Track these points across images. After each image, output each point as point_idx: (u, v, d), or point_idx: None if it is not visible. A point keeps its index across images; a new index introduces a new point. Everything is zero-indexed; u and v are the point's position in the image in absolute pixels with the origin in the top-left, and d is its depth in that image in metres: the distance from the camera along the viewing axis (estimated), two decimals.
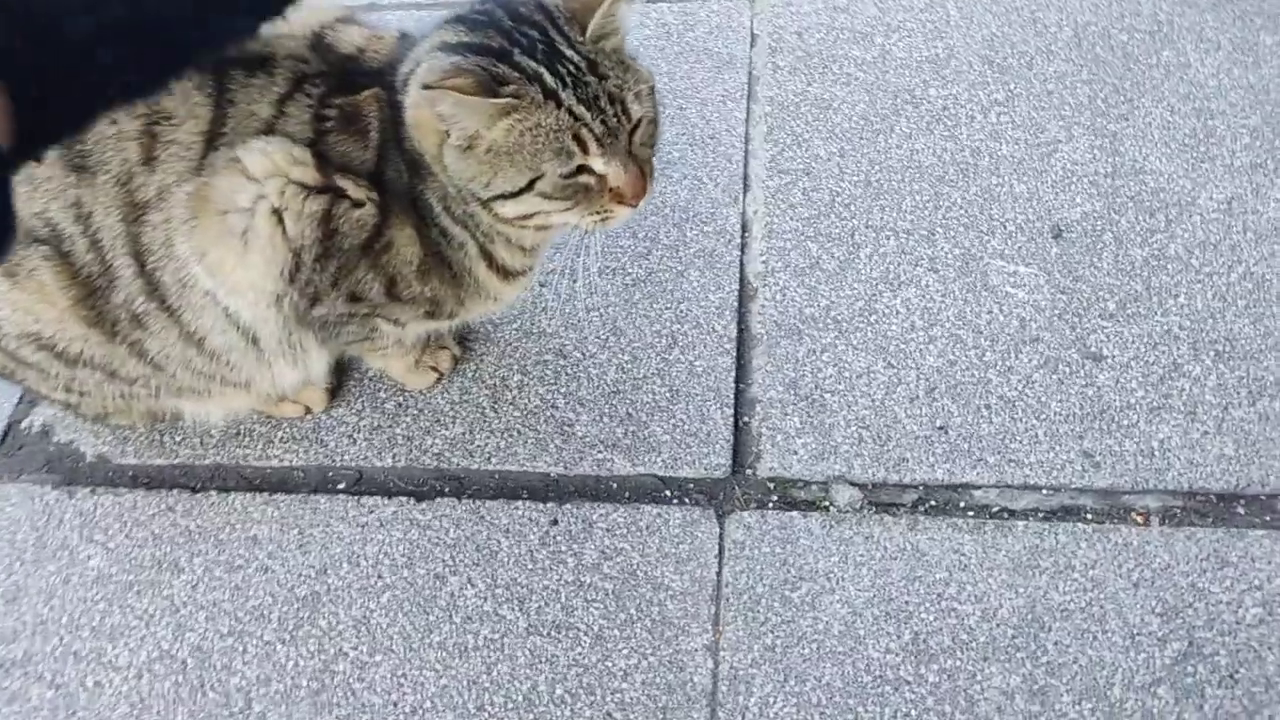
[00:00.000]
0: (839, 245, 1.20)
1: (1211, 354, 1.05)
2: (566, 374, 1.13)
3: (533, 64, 0.75)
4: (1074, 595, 0.91)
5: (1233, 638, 0.87)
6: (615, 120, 0.77)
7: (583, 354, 1.14)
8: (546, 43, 0.76)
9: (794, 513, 1.00)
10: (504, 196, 0.79)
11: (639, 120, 0.79)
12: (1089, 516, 0.96)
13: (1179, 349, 1.06)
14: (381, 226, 0.84)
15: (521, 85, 0.74)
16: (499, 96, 0.73)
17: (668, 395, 1.10)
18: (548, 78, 0.74)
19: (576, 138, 0.76)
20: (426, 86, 0.73)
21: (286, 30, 0.87)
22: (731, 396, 1.09)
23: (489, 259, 0.90)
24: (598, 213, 0.82)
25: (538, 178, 0.78)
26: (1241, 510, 0.95)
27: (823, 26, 1.44)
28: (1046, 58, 1.35)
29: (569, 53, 0.76)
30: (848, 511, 0.99)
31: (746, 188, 1.28)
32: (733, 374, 1.11)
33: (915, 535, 0.96)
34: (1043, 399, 1.04)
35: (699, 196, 1.27)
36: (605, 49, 0.78)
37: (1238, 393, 1.02)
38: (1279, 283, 1.09)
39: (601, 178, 0.79)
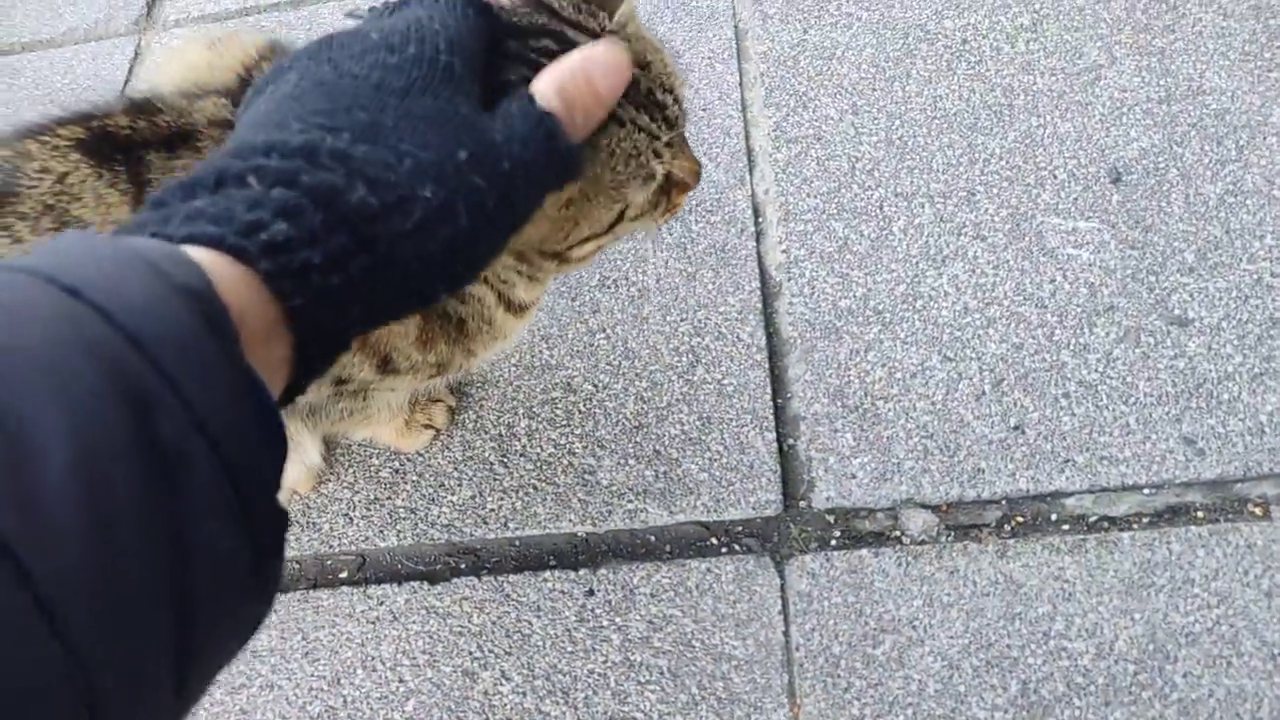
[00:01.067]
0: (867, 221, 1.05)
1: None
2: (580, 412, 0.99)
3: None
4: (1198, 615, 0.79)
5: None
6: (673, 110, 0.62)
7: (595, 385, 1.00)
8: (569, 49, 0.59)
9: (862, 550, 0.87)
10: (587, 239, 0.65)
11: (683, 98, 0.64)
12: (1200, 515, 0.84)
13: (1275, 300, 0.92)
14: None
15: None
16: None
17: (698, 424, 0.96)
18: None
19: (654, 152, 0.61)
20: None
21: (198, 80, 0.71)
22: (771, 416, 0.95)
23: (507, 302, 0.76)
24: (668, 209, 0.68)
25: (626, 207, 0.63)
26: None
27: None
28: None
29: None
30: (924, 541, 0.86)
31: (752, 164, 1.12)
32: (768, 389, 0.97)
33: (1007, 563, 0.84)
34: (1128, 379, 0.91)
35: (700, 181, 1.12)
36: (630, 30, 0.62)
37: None
38: None
39: (668, 175, 0.65)
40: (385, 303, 0.43)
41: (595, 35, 0.58)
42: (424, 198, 0.41)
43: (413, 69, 0.45)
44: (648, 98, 0.59)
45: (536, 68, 0.53)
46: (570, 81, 0.49)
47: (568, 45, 0.57)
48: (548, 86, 0.48)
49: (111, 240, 0.35)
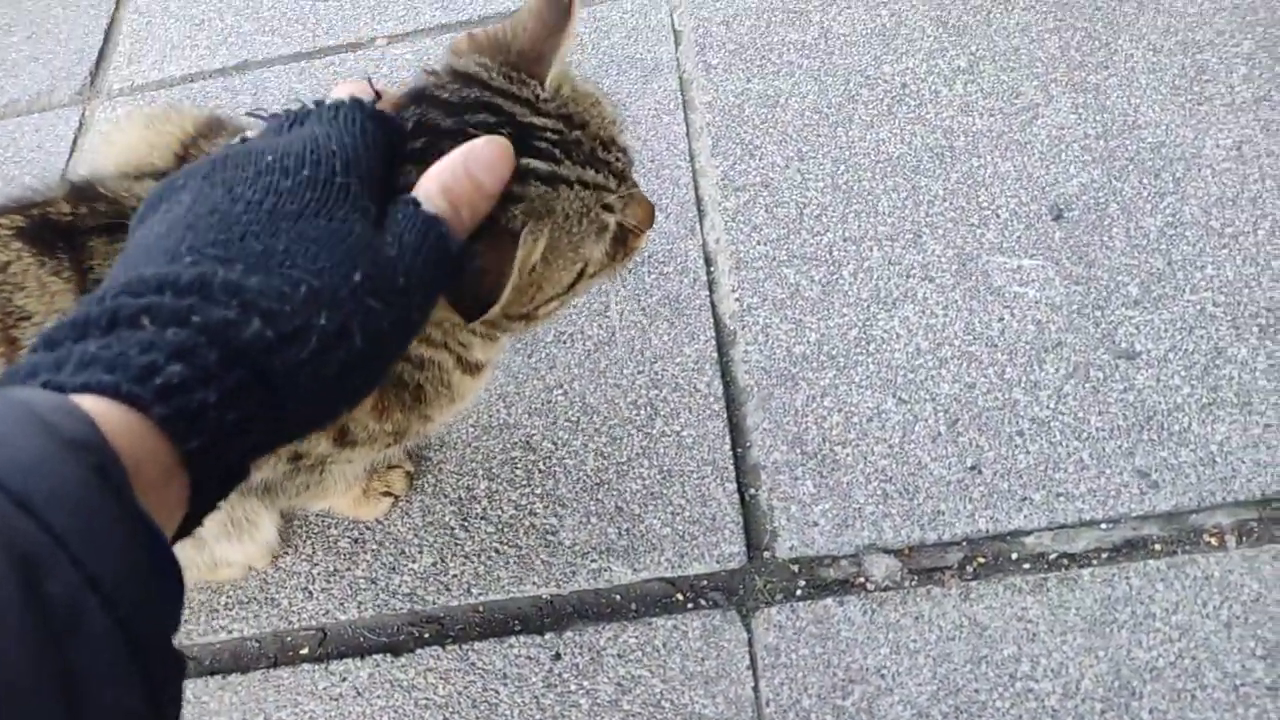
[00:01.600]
0: (818, 266, 1.06)
1: (1255, 329, 0.93)
2: (540, 470, 0.98)
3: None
4: (1161, 649, 0.80)
5: None
6: (619, 163, 0.63)
7: (554, 443, 1.00)
8: (505, 120, 0.58)
9: (828, 599, 0.87)
10: (550, 300, 0.65)
11: (626, 146, 0.65)
12: (1158, 548, 0.84)
13: (1219, 330, 0.94)
14: None
15: (522, 198, 0.56)
16: (514, 242, 0.55)
17: (659, 478, 0.96)
18: (537, 163, 0.57)
19: (604, 206, 0.61)
20: None
21: (137, 161, 0.71)
22: (731, 466, 0.95)
23: (464, 364, 0.75)
24: (626, 255, 0.69)
25: (585, 265, 0.63)
26: None
27: (751, 11, 1.29)
28: (1005, 9, 1.21)
29: (537, 120, 0.58)
30: (888, 587, 0.86)
31: (702, 214, 1.13)
32: (727, 439, 0.97)
33: (971, 605, 0.84)
34: (1080, 414, 0.92)
35: (651, 232, 1.12)
36: (564, 94, 0.62)
37: None
38: None
39: (620, 223, 0.65)
40: (283, 429, 0.43)
41: (530, 104, 0.59)
42: (319, 325, 0.41)
43: (307, 192, 0.44)
44: (591, 156, 0.60)
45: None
46: (454, 181, 0.49)
47: (503, 116, 0.57)
48: (433, 188, 0.48)
49: (0, 395, 0.35)
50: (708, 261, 1.09)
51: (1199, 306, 0.96)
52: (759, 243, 1.09)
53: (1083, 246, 1.01)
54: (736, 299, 1.06)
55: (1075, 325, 0.96)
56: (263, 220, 0.43)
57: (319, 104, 0.50)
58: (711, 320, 1.05)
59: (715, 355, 1.02)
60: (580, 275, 0.64)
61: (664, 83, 1.26)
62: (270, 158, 0.46)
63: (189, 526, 0.41)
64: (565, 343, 1.06)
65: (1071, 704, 0.79)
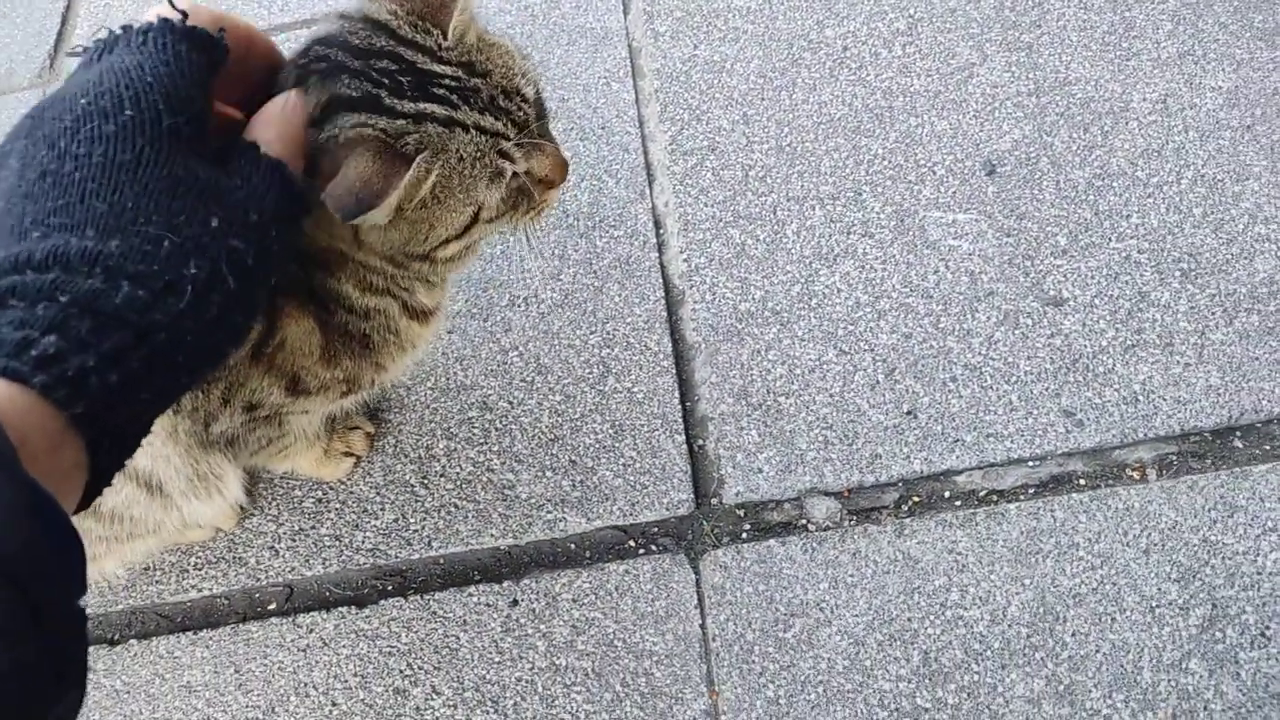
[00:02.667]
0: (762, 226, 1.09)
1: (1178, 274, 0.98)
2: (496, 429, 1.02)
3: (409, 103, 0.61)
4: (1083, 576, 0.84)
5: (1256, 591, 0.81)
6: (521, 113, 0.66)
7: (510, 403, 1.03)
8: (406, 68, 0.62)
9: (771, 540, 0.91)
10: (447, 241, 0.68)
11: (534, 99, 0.68)
12: (1082, 483, 0.89)
13: (1143, 275, 0.98)
14: (269, 329, 0.72)
15: (417, 132, 0.61)
16: (405, 165, 0.59)
17: (611, 432, 0.99)
18: (434, 108, 0.61)
19: (500, 153, 0.65)
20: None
21: None
22: (680, 419, 0.99)
23: (410, 310, 0.79)
24: (532, 208, 0.71)
25: (479, 209, 0.66)
26: (1239, 444, 0.88)
27: None
28: None
29: (437, 68, 0.62)
30: (828, 528, 0.91)
31: (651, 178, 1.16)
32: (676, 394, 1.01)
33: (904, 541, 0.88)
34: (1009, 359, 0.96)
35: (602, 197, 1.16)
36: (469, 42, 0.65)
37: (1212, 313, 0.95)
38: (1232, 182, 1.01)
39: (528, 172, 0.68)
40: (173, 380, 0.44)
41: (431, 52, 0.62)
42: (190, 274, 0.43)
43: (136, 136, 0.44)
44: (491, 103, 0.63)
45: (376, 85, 0.58)
46: (287, 128, 0.52)
47: (404, 64, 0.61)
48: (268, 134, 0.51)
49: None
50: (657, 224, 1.13)
51: (1124, 254, 1.00)
52: (706, 204, 1.12)
53: (1014, 200, 1.05)
54: (685, 259, 1.09)
55: (1006, 275, 1.00)
56: (97, 175, 0.43)
57: (126, 29, 0.49)
58: (661, 280, 1.08)
59: (664, 314, 1.06)
60: (475, 220, 0.67)
61: (614, 51, 1.28)
62: (85, 100, 0.45)
63: (96, 488, 0.43)
64: (520, 306, 1.09)
65: (999, 629, 0.83)
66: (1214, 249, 0.98)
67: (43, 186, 0.43)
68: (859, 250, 1.05)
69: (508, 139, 0.64)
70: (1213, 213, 1.00)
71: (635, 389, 1.02)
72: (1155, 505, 0.86)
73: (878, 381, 0.97)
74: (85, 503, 0.42)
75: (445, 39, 0.63)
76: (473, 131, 0.62)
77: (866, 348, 0.99)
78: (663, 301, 1.07)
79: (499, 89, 0.64)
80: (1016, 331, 0.97)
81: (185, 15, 0.50)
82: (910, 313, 1.00)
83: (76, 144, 0.44)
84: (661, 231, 1.12)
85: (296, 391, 0.76)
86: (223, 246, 0.44)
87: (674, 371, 1.02)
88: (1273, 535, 0.83)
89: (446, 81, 0.62)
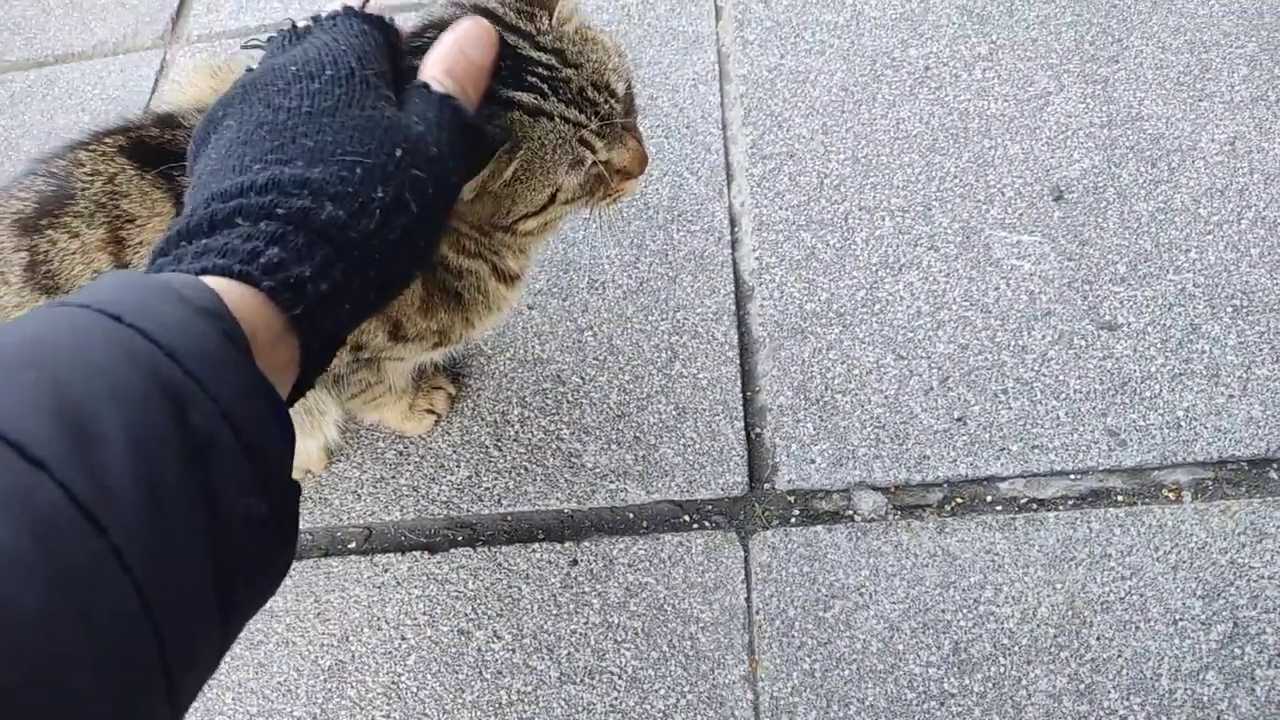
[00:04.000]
0: (833, 232, 1.15)
1: (1229, 310, 1.02)
2: (568, 401, 1.09)
3: (504, 89, 0.67)
4: (1112, 585, 0.89)
5: (1277, 614, 0.85)
6: (607, 105, 0.72)
7: (582, 378, 1.10)
8: (507, 53, 0.68)
9: (818, 526, 0.97)
10: (526, 216, 0.75)
11: (623, 94, 0.74)
12: (1120, 499, 0.94)
13: (1196, 308, 1.02)
14: None
15: (504, 119, 0.67)
16: (490, 148, 0.66)
17: (674, 414, 1.06)
18: (524, 96, 0.68)
19: (582, 141, 0.71)
20: None
21: (206, 104, 0.82)
22: (740, 407, 1.05)
23: (498, 273, 0.86)
24: (608, 195, 0.79)
25: (557, 190, 0.74)
26: (1275, 475, 0.93)
27: None
28: (1027, 2, 1.28)
29: (534, 54, 0.69)
30: (873, 519, 0.97)
31: (730, 178, 1.22)
32: (738, 383, 1.07)
33: (945, 538, 0.94)
34: (1060, 377, 1.01)
35: (682, 193, 1.22)
36: (569, 33, 0.71)
37: (1260, 350, 0.99)
38: None
39: (608, 162, 0.75)
40: (366, 295, 0.51)
41: (531, 37, 0.69)
42: (378, 198, 0.49)
43: (335, 88, 0.52)
44: (579, 94, 0.70)
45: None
46: (454, 63, 0.58)
47: (505, 49, 0.68)
48: (437, 71, 0.57)
49: (141, 276, 0.44)
50: (733, 222, 1.19)
51: (1180, 286, 1.04)
52: (781, 207, 1.18)
53: (1078, 226, 1.10)
54: (756, 258, 1.15)
55: (1064, 297, 1.05)
56: (305, 121, 0.50)
57: (316, 19, 0.58)
58: (732, 276, 1.15)
59: (733, 308, 1.12)
60: (553, 199, 0.74)
61: (703, 55, 1.35)
62: (294, 68, 0.53)
63: (302, 385, 0.50)
64: (598, 289, 1.16)
65: (1028, 628, 0.89)
66: (1268, 289, 1.02)
67: (260, 134, 0.51)
68: (924, 262, 1.11)
69: (588, 128, 0.70)
70: (1270, 254, 1.04)
71: (700, 375, 1.08)
72: (1188, 525, 0.91)
73: (932, 387, 1.03)
74: (289, 404, 0.49)
75: (548, 23, 0.69)
76: (557, 120, 0.69)
77: (923, 355, 1.05)
78: (732, 295, 1.13)
79: (589, 81, 0.71)
80: (1070, 351, 1.02)
81: (365, 1, 0.60)
82: (968, 325, 1.06)
83: (288, 99, 0.52)
84: (736, 229, 1.18)
85: (396, 337, 0.84)
86: (406, 174, 0.50)
87: (738, 362, 1.08)
88: None
89: (540, 70, 0.69)
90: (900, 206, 1.15)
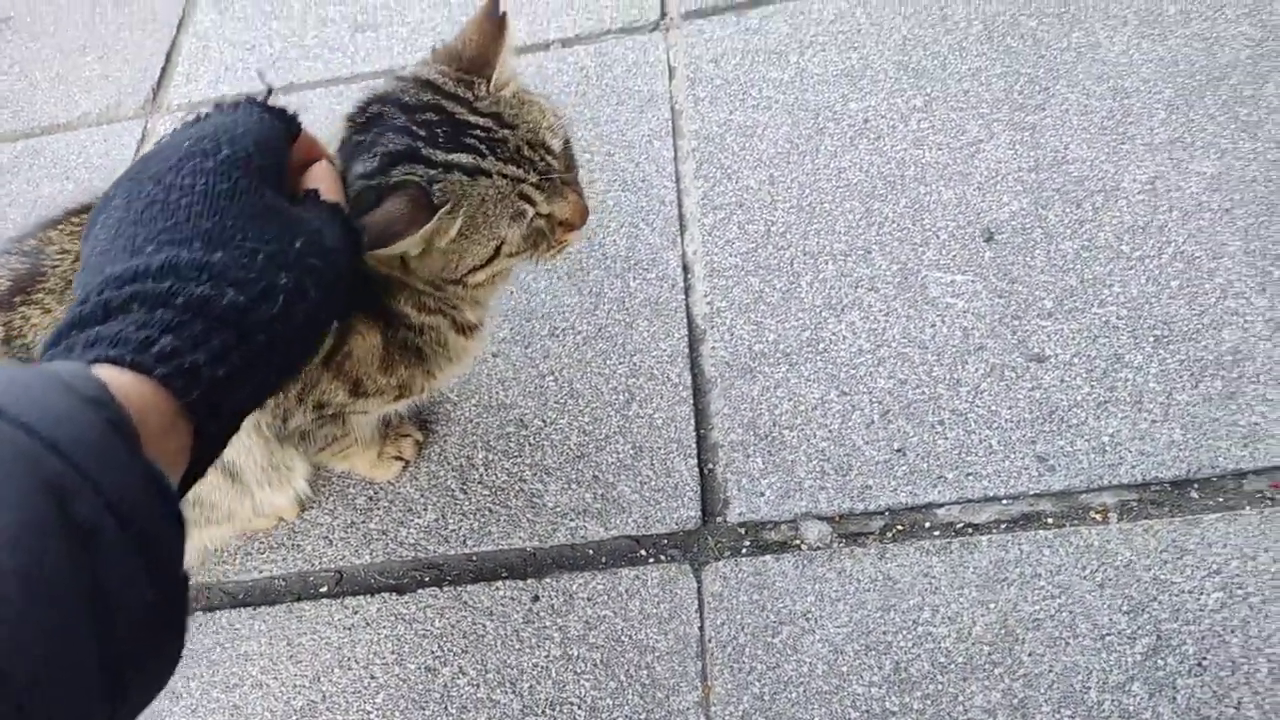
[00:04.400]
0: (779, 276, 1.21)
1: (1151, 340, 1.08)
2: (530, 444, 1.14)
3: (443, 154, 0.74)
4: (1043, 604, 0.94)
5: (1197, 625, 0.90)
6: (544, 162, 0.78)
7: (544, 421, 1.16)
8: (446, 119, 0.75)
9: (767, 556, 1.02)
10: (475, 269, 0.81)
11: (560, 151, 0.80)
12: (1049, 521, 0.99)
13: (1119, 339, 1.08)
14: (340, 341, 0.85)
15: (445, 182, 0.74)
16: (432, 210, 0.72)
17: (631, 453, 1.11)
18: (464, 157, 0.74)
19: (522, 195, 0.77)
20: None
21: None
22: (694, 445, 1.11)
23: (457, 325, 0.92)
24: (552, 247, 0.84)
25: (501, 243, 0.79)
26: (1195, 495, 0.98)
27: (737, 51, 1.45)
28: (960, 55, 1.36)
29: (473, 119, 0.76)
30: (819, 548, 1.01)
31: (684, 228, 1.29)
32: (692, 422, 1.12)
33: (885, 564, 0.99)
34: (993, 408, 1.06)
35: (638, 243, 1.29)
36: (505, 97, 0.78)
37: (1180, 376, 1.05)
38: (1207, 259, 1.11)
39: (549, 215, 0.81)
40: (266, 377, 0.52)
41: (469, 104, 0.76)
42: (281, 284, 0.51)
43: (232, 170, 0.53)
44: (516, 152, 0.76)
45: (415, 138, 0.72)
46: (333, 181, 0.63)
47: (445, 115, 0.74)
48: (323, 184, 0.61)
49: (27, 368, 0.43)
50: (686, 269, 1.25)
51: (1104, 319, 1.10)
52: (731, 254, 1.25)
53: (1008, 265, 1.16)
54: (708, 302, 1.21)
55: (995, 332, 1.11)
56: (201, 200, 0.50)
57: (218, 105, 0.58)
58: (685, 320, 1.21)
59: (687, 350, 1.18)
60: (498, 252, 0.80)
61: (658, 112, 1.42)
62: (188, 144, 0.53)
63: (192, 478, 0.50)
64: (558, 336, 1.22)
65: (964, 646, 0.93)
66: (1186, 319, 1.08)
67: (151, 213, 0.51)
68: (865, 303, 1.17)
69: (526, 182, 0.77)
70: (1188, 286, 1.10)
71: (656, 415, 1.14)
72: (1113, 545, 0.96)
73: (873, 421, 1.08)
74: (183, 488, 0.49)
75: (485, 89, 0.76)
76: (495, 177, 0.75)
77: (865, 390, 1.11)
78: (686, 339, 1.19)
79: (525, 140, 0.77)
80: (1001, 383, 1.08)
81: (270, 92, 0.63)
82: (907, 361, 1.12)
83: (181, 177, 0.52)
84: (689, 276, 1.25)
85: (357, 394, 0.90)
86: (306, 263, 0.53)
87: (692, 402, 1.14)
88: (1216, 577, 0.92)
89: (478, 132, 0.75)
90: (842, 250, 1.22)
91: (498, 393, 1.19)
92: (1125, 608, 0.92)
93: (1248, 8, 1.32)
